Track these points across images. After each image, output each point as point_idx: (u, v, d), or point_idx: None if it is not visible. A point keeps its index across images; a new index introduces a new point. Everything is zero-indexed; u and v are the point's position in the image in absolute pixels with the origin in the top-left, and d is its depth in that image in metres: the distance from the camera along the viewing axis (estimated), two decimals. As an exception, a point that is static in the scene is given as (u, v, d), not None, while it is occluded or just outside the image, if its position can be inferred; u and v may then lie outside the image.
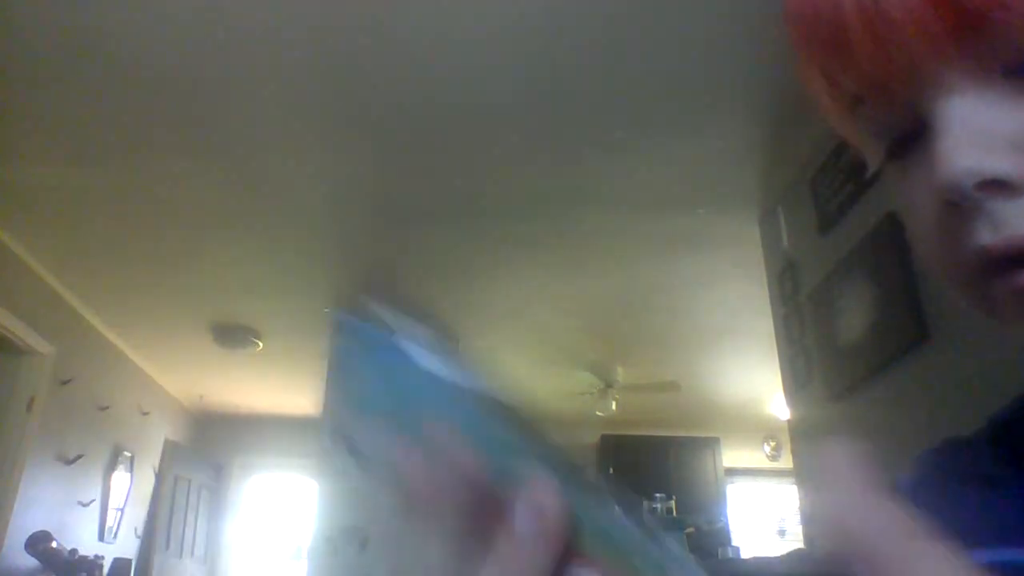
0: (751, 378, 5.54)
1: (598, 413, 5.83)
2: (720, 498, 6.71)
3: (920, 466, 0.44)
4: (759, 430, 6.96)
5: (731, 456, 7.03)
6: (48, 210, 3.48)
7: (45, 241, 3.78)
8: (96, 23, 2.32)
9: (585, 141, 2.92)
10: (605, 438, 6.88)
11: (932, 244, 0.33)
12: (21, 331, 3.85)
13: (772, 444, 7.09)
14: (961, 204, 0.30)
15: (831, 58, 0.34)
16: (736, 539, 5.98)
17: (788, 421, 3.35)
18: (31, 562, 3.94)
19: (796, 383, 3.06)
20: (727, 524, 6.30)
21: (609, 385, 5.65)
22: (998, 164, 0.29)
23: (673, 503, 3.98)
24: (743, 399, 6.14)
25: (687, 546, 3.53)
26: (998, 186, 0.29)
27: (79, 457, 4.51)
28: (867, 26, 0.31)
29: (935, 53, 0.30)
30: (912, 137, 0.33)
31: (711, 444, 6.91)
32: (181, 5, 2.26)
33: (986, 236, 0.30)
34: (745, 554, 3.97)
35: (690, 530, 3.66)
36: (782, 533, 6.79)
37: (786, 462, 6.52)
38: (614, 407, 5.73)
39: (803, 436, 3.20)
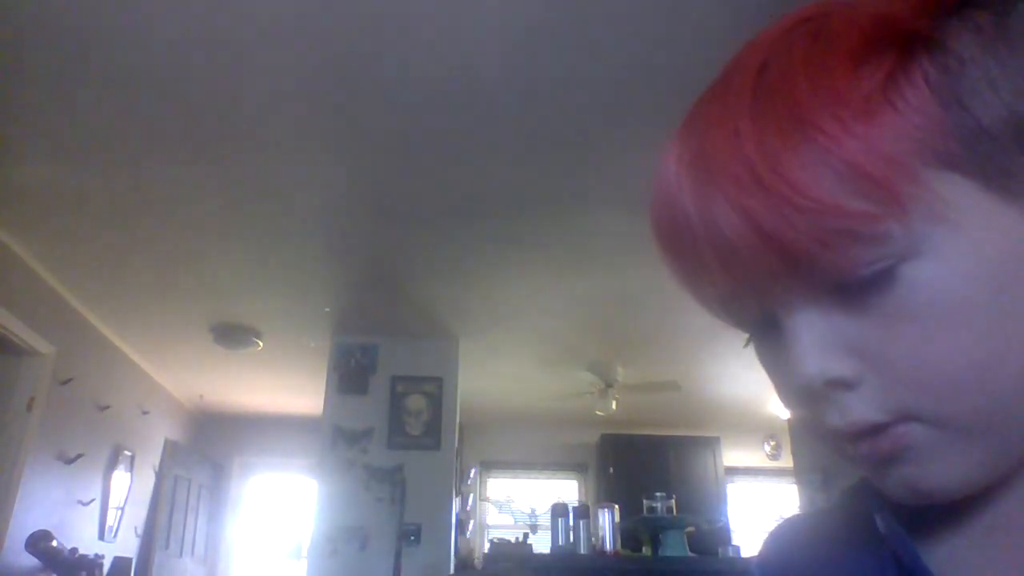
0: (751, 378, 5.54)
1: (598, 413, 5.83)
2: (720, 498, 6.72)
3: (778, 540, 0.53)
4: (759, 430, 6.97)
5: (731, 456, 7.03)
6: (48, 210, 3.48)
7: (45, 241, 3.79)
8: (97, 24, 2.33)
9: (585, 141, 2.92)
10: (605, 438, 6.88)
11: (794, 411, 0.41)
12: (21, 331, 3.86)
13: (772, 444, 7.09)
14: (815, 394, 0.38)
15: (689, 270, 0.40)
16: (736, 539, 5.99)
17: (788, 421, 3.35)
18: (31, 561, 3.95)
19: (796, 383, 3.06)
20: (727, 524, 6.31)
21: (609, 385, 5.65)
22: (838, 367, 0.37)
23: (673, 502, 3.98)
24: (743, 399, 6.14)
25: (687, 546, 3.53)
26: (840, 384, 0.37)
27: (79, 456, 4.52)
28: (716, 252, 0.37)
29: (773, 277, 0.37)
30: (768, 327, 0.40)
31: (711, 444, 6.91)
32: (182, 7, 2.26)
33: (834, 418, 0.38)
34: (745, 554, 3.98)
35: (690, 530, 3.66)
36: (782, 533, 6.78)
37: (786, 462, 6.52)
38: (614, 407, 5.73)
39: (803, 436, 3.21)
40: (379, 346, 5.00)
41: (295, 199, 3.38)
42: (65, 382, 4.29)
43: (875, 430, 0.37)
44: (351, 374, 4.95)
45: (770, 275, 0.37)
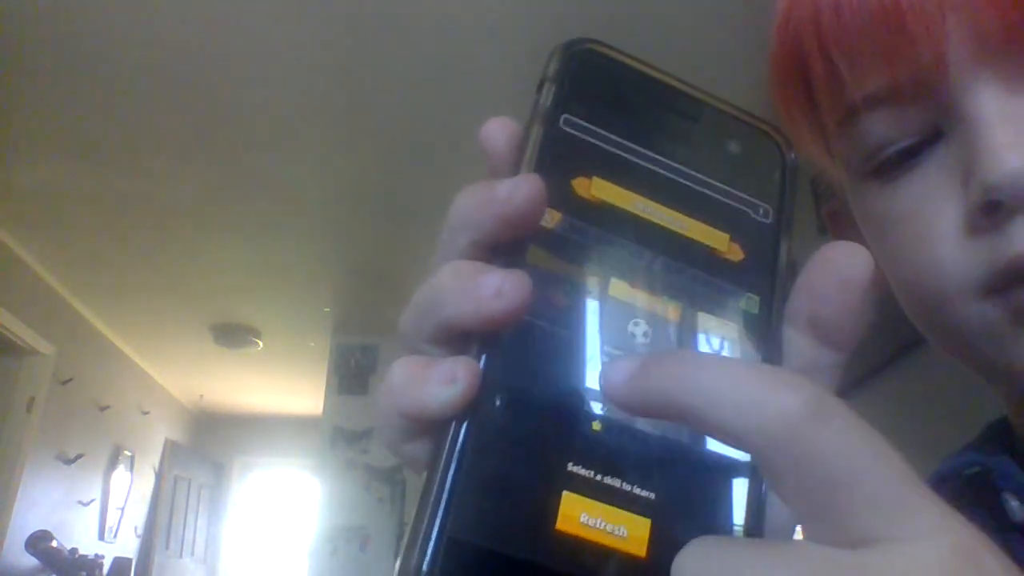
0: (751, 378, 5.54)
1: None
2: (720, 498, 6.72)
3: None
4: (759, 430, 6.96)
5: (731, 456, 7.03)
6: (48, 210, 3.48)
7: (45, 241, 3.79)
8: (96, 23, 2.33)
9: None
10: (605, 438, 6.88)
11: (943, 254, 0.31)
12: (21, 331, 3.86)
13: (772, 444, 7.09)
14: (1006, 205, 0.28)
15: (862, 52, 0.32)
16: (736, 539, 5.99)
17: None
18: (31, 561, 3.95)
19: (796, 383, 3.06)
20: (727, 524, 6.32)
21: (609, 385, 5.65)
22: None
23: (673, 503, 3.98)
24: (743, 399, 6.13)
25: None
26: None
27: (79, 457, 4.51)
28: (928, 7, 0.29)
29: (999, 40, 0.29)
30: (920, 145, 0.31)
31: (711, 444, 6.91)
32: (183, 6, 2.26)
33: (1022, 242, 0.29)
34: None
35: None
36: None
37: (786, 462, 6.51)
38: (614, 407, 5.73)
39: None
40: (379, 346, 4.99)
41: (296, 198, 3.38)
42: (65, 382, 4.29)
43: None
44: (351, 374, 4.94)
45: (995, 34, 0.29)
